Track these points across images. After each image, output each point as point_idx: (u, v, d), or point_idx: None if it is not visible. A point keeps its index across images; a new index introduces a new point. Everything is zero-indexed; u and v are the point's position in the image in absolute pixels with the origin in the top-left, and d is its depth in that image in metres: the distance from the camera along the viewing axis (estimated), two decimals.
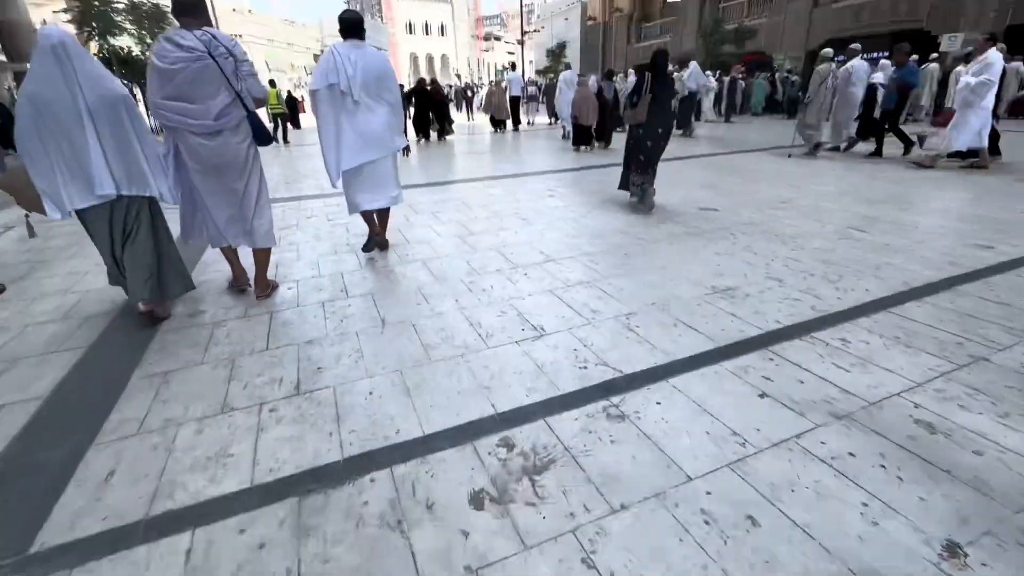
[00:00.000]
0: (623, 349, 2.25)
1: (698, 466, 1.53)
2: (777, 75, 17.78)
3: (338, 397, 1.97)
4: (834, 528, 1.30)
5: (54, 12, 18.77)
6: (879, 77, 7.77)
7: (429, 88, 11.71)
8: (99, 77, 2.34)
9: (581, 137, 9.17)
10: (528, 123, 16.66)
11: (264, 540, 1.33)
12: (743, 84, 16.84)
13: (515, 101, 14.36)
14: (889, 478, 1.46)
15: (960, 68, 12.45)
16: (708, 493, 1.43)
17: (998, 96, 6.03)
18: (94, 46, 16.06)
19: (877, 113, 7.42)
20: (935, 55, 13.66)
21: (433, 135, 12.21)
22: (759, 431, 1.68)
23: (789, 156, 7.63)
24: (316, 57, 72.17)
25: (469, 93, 24.23)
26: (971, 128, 5.87)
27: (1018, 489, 1.40)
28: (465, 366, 2.16)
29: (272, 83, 13.23)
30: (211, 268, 3.53)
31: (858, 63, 7.44)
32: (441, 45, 78.35)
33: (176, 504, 1.46)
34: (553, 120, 16.34)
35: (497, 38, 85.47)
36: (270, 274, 3.23)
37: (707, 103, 15.42)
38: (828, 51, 7.77)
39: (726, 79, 16.24)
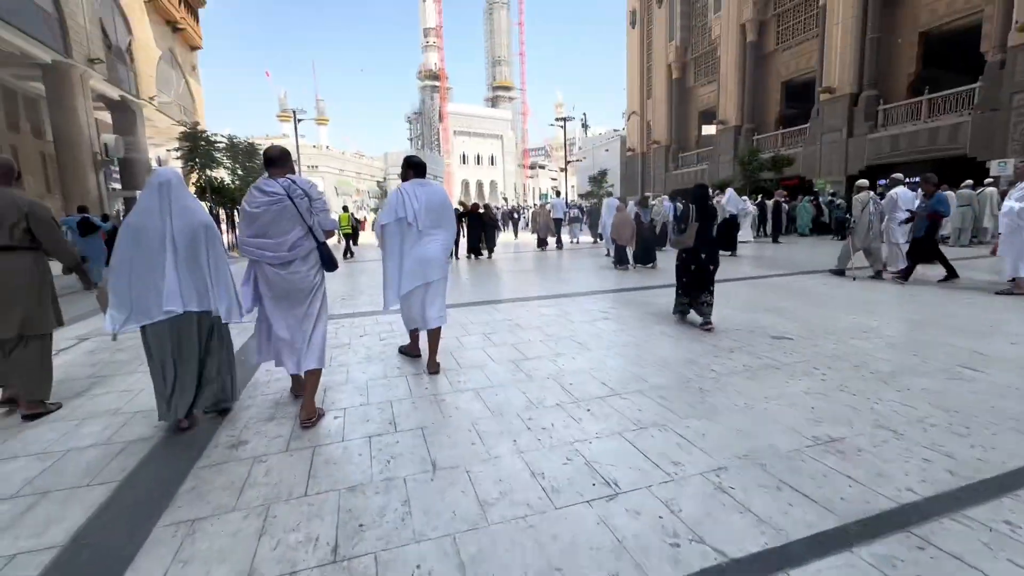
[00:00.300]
0: (720, 520, 1.85)
1: None
2: (820, 198, 18.01)
3: (380, 570, 1.65)
4: None
5: (168, 150, 22.10)
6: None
7: (482, 212, 12.49)
8: (188, 209, 2.69)
9: (621, 256, 9.55)
10: (573, 242, 17.48)
11: None
12: (786, 207, 17.06)
13: (558, 223, 15.38)
14: None
15: (948, 193, 12.13)
16: None
17: None
18: (195, 176, 18.59)
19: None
20: (989, 180, 13.54)
21: (483, 253, 12.79)
22: None
23: (854, 279, 7.27)
24: (379, 184, 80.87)
25: (515, 215, 25.83)
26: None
27: None
28: (530, 534, 1.80)
29: (345, 208, 15.21)
30: (261, 390, 3.43)
31: (901, 190, 7.46)
32: (490, 173, 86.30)
33: None
34: (596, 240, 16.95)
35: (541, 166, 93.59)
36: (318, 399, 3.10)
37: (745, 225, 15.57)
38: (863, 181, 7.95)
39: (769, 203, 16.57)
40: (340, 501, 2.06)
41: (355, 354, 4.24)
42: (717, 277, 4.79)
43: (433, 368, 3.67)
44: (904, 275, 6.96)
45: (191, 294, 2.66)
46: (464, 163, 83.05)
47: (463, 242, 12.84)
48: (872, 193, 7.53)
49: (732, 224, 11.54)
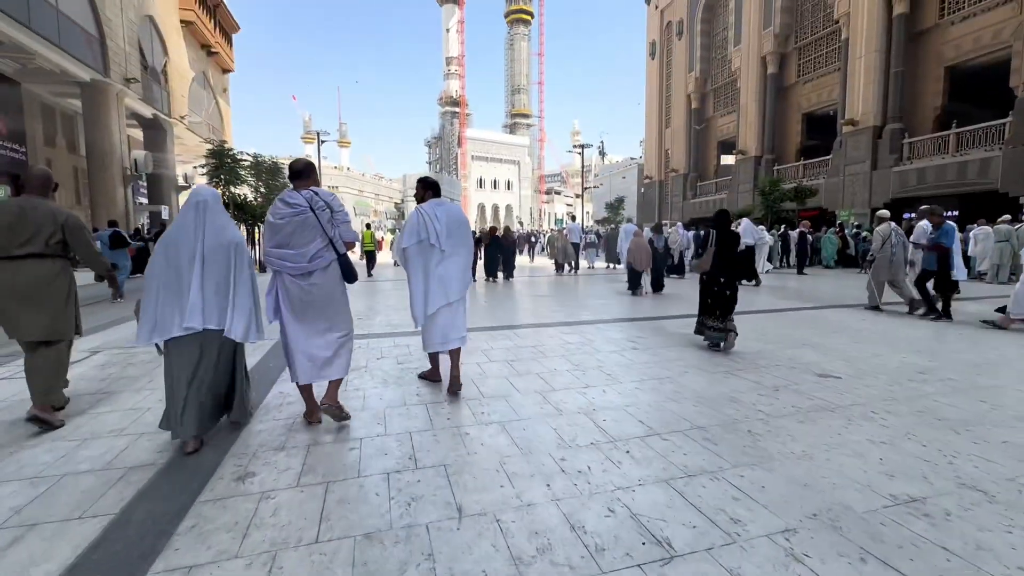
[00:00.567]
0: None
1: None
2: (846, 231, 17.62)
3: None
4: None
5: (195, 167, 22.61)
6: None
7: (501, 234, 12.38)
8: (221, 227, 2.73)
9: (635, 281, 9.54)
10: (589, 267, 17.38)
11: None
12: (811, 238, 16.69)
13: (575, 247, 15.36)
14: None
15: (985, 228, 11.74)
16: None
17: None
18: (219, 191, 18.93)
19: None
20: None
21: (500, 276, 12.64)
22: None
23: (882, 311, 6.90)
24: (396, 205, 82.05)
25: (532, 239, 25.80)
26: None
27: None
28: None
29: (368, 226, 15.40)
30: (272, 414, 3.23)
31: (926, 223, 7.12)
32: (506, 197, 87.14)
33: None
34: (611, 265, 16.79)
35: (557, 192, 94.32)
36: (335, 427, 2.89)
37: (762, 255, 15.21)
38: (884, 212, 7.79)
39: (792, 233, 16.24)
40: (355, 552, 1.81)
41: (372, 378, 4.03)
42: (747, 309, 4.75)
43: (455, 387, 3.61)
44: (936, 312, 6.61)
45: (214, 311, 2.65)
46: (481, 187, 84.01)
47: (480, 265, 12.74)
48: (894, 224, 7.25)
49: (749, 255, 11.40)
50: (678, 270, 13.24)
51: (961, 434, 2.80)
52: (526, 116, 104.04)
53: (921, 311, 6.80)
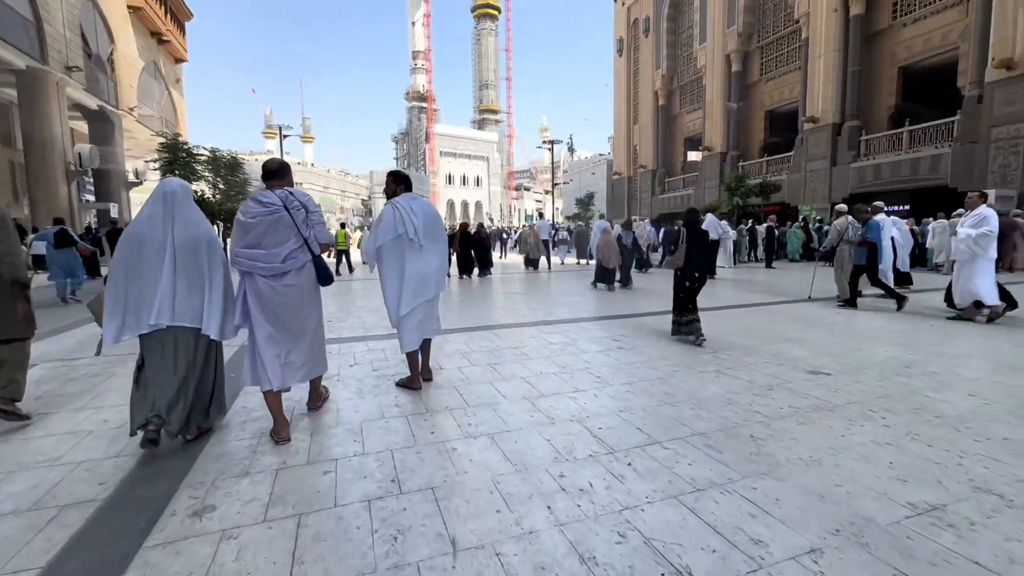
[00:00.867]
0: None
1: None
2: (809, 225, 18.14)
3: None
4: None
5: (146, 162, 21.36)
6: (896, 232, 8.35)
7: (473, 231, 12.12)
8: (192, 221, 2.63)
9: (603, 276, 9.62)
10: (560, 263, 17.37)
11: None
12: (776, 232, 17.10)
13: (544, 244, 15.36)
14: None
15: (942, 221, 12.45)
16: None
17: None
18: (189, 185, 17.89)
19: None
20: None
21: (475, 273, 12.39)
22: None
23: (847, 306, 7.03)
24: (364, 202, 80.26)
25: (504, 236, 25.58)
26: (987, 277, 5.83)
27: None
28: None
29: (343, 225, 14.95)
30: (235, 433, 2.90)
31: (881, 217, 7.70)
32: (476, 194, 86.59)
33: None
34: (582, 261, 16.78)
35: (527, 188, 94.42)
36: (304, 434, 2.60)
37: (728, 248, 15.46)
38: (842, 206, 8.05)
39: (760, 228, 16.59)
40: None
41: (346, 388, 3.73)
42: (725, 304, 4.71)
43: (427, 375, 3.78)
44: (849, 303, 7.11)
45: (185, 308, 2.57)
46: (450, 183, 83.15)
47: (454, 262, 12.47)
48: (851, 218, 7.42)
49: (715, 247, 11.63)
50: (643, 265, 13.35)
51: (961, 431, 2.75)
52: (494, 112, 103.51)
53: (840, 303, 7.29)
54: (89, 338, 5.63)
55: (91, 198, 21.68)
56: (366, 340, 5.32)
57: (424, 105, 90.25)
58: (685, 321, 5.08)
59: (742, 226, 17.87)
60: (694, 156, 30.79)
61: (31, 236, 11.06)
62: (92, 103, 19.75)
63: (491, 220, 67.57)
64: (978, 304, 5.88)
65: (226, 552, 1.81)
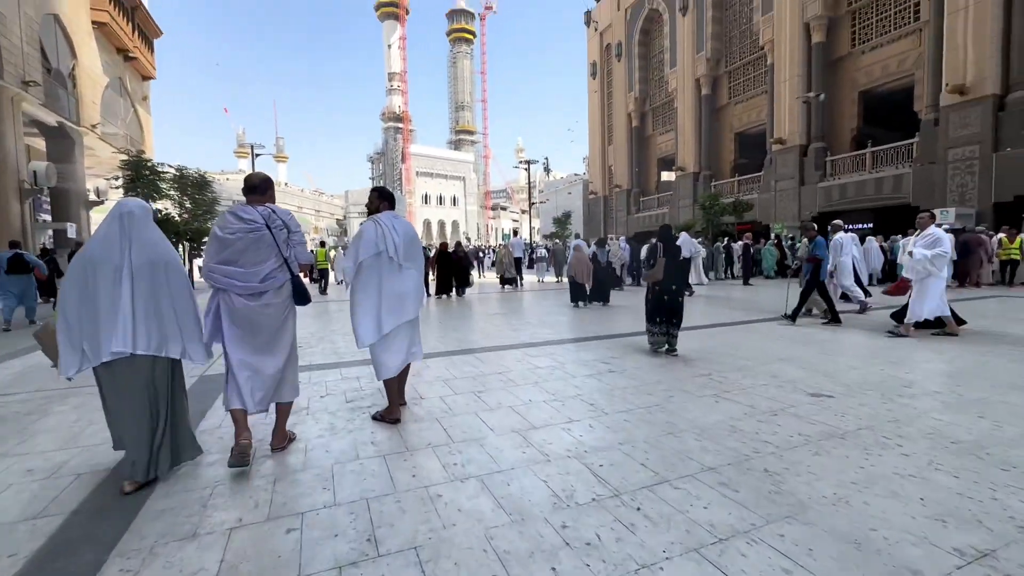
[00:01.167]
0: None
1: None
2: (783, 242, 18.51)
3: None
4: None
5: (107, 179, 20.46)
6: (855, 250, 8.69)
7: (452, 251, 11.88)
8: (150, 243, 2.46)
9: (576, 294, 9.77)
10: (539, 281, 17.37)
11: None
12: (752, 250, 17.38)
13: (517, 262, 15.53)
14: None
15: (911, 238, 12.89)
16: None
17: None
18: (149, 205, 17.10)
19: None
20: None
21: (453, 293, 12.12)
22: None
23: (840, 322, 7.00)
24: (339, 221, 79.23)
25: (480, 254, 25.38)
26: (935, 296, 5.93)
27: None
28: None
29: (323, 244, 14.74)
30: (183, 483, 2.51)
31: (842, 235, 8.22)
32: (452, 213, 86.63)
33: None
34: (561, 279, 16.70)
35: (504, 208, 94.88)
36: (268, 479, 2.24)
37: (698, 265, 15.58)
38: (811, 224, 8.20)
39: (736, 245, 16.81)
40: None
41: (316, 423, 3.37)
42: (712, 322, 4.60)
43: (401, 401, 3.58)
44: (794, 316, 7.36)
45: (145, 336, 2.40)
46: (427, 203, 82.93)
47: (432, 282, 12.15)
48: (819, 237, 7.50)
49: (688, 264, 11.74)
50: (617, 283, 13.40)
51: (984, 459, 2.58)
52: (471, 133, 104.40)
53: (821, 317, 7.45)
54: (27, 371, 5.08)
55: (47, 218, 20.58)
56: (339, 367, 4.94)
57: (400, 125, 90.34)
58: (659, 331, 5.27)
59: (719, 244, 18.11)
60: (668, 176, 31.41)
61: None
62: (51, 119, 18.86)
63: (468, 239, 67.48)
64: (918, 324, 6.04)
65: None
